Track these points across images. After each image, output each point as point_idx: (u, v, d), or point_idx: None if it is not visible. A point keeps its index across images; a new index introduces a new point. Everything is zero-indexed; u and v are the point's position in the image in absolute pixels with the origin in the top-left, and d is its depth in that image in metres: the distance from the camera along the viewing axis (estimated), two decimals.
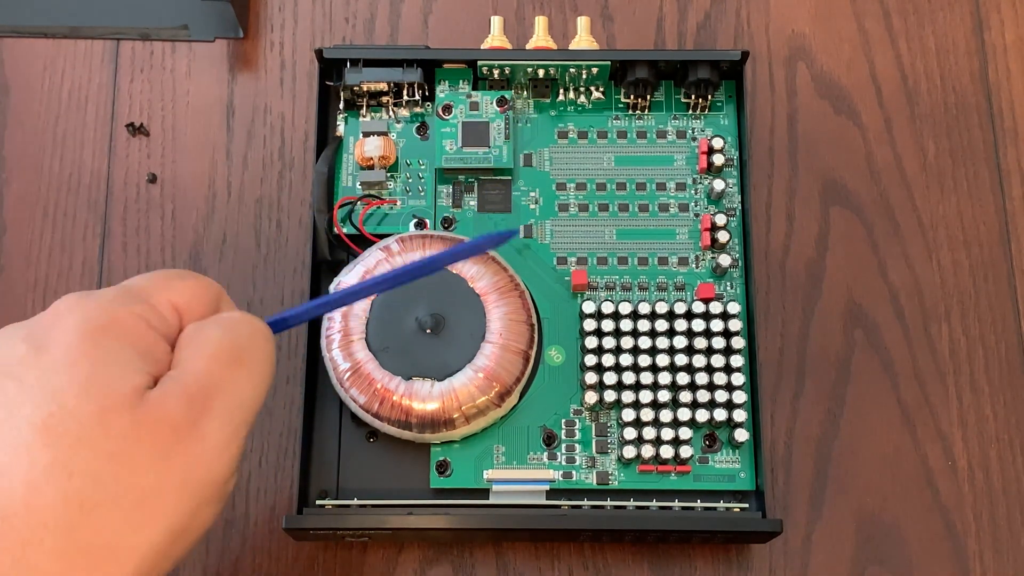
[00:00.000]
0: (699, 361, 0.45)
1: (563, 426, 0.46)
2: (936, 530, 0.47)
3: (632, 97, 0.49)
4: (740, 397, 0.45)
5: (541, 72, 0.49)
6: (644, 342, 0.46)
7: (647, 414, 0.45)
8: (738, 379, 0.45)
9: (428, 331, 0.44)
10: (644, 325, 0.46)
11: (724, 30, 0.54)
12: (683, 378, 0.45)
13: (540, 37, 0.50)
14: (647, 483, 0.45)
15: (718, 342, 0.46)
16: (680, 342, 0.46)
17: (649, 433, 0.45)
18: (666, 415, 0.45)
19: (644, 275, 0.48)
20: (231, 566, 0.47)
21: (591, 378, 0.45)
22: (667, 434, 0.45)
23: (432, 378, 0.44)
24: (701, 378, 0.45)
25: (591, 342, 0.46)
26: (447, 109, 0.49)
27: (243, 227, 0.51)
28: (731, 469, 0.45)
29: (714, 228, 0.48)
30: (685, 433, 0.45)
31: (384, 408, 0.43)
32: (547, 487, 0.45)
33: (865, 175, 0.52)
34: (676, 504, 0.45)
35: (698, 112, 0.50)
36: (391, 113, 0.49)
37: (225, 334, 0.35)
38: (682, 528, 0.44)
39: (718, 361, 0.45)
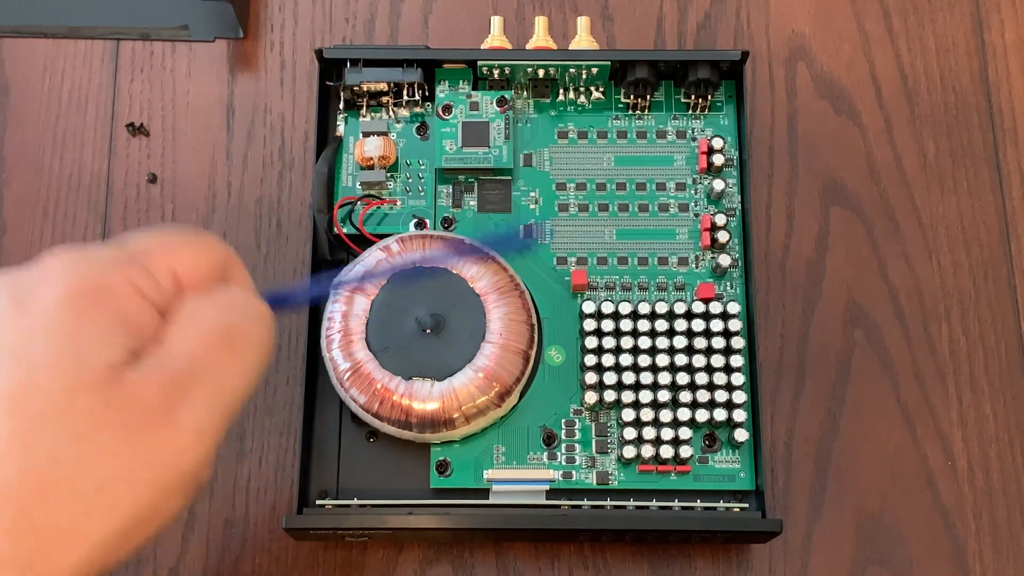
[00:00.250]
0: (699, 361, 0.45)
1: (563, 426, 0.46)
2: (936, 530, 0.47)
3: (632, 97, 0.49)
4: (740, 397, 0.45)
5: (541, 72, 0.49)
6: (644, 342, 0.46)
7: (647, 414, 0.45)
8: (738, 379, 0.45)
9: (428, 331, 0.44)
10: (644, 325, 0.46)
11: (724, 30, 0.54)
12: (683, 378, 0.45)
13: (540, 37, 0.50)
14: (647, 483, 0.45)
15: (718, 342, 0.46)
16: (680, 342, 0.46)
17: (649, 433, 0.45)
18: (666, 415, 0.45)
19: (644, 275, 0.48)
20: (231, 566, 0.47)
21: (591, 378, 0.45)
22: (667, 434, 0.45)
23: (432, 378, 0.44)
24: (701, 378, 0.45)
25: (591, 342, 0.46)
26: (447, 109, 0.49)
27: (243, 227, 0.51)
28: (731, 469, 0.45)
29: (714, 228, 0.48)
30: (685, 433, 0.45)
31: (384, 408, 0.43)
32: (547, 487, 0.45)
33: (865, 175, 0.52)
34: (676, 504, 0.45)
35: (698, 112, 0.50)
36: (391, 113, 0.49)
37: (219, 315, 0.33)
38: (682, 528, 0.44)
39: (718, 361, 0.45)
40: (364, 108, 0.49)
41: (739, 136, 0.49)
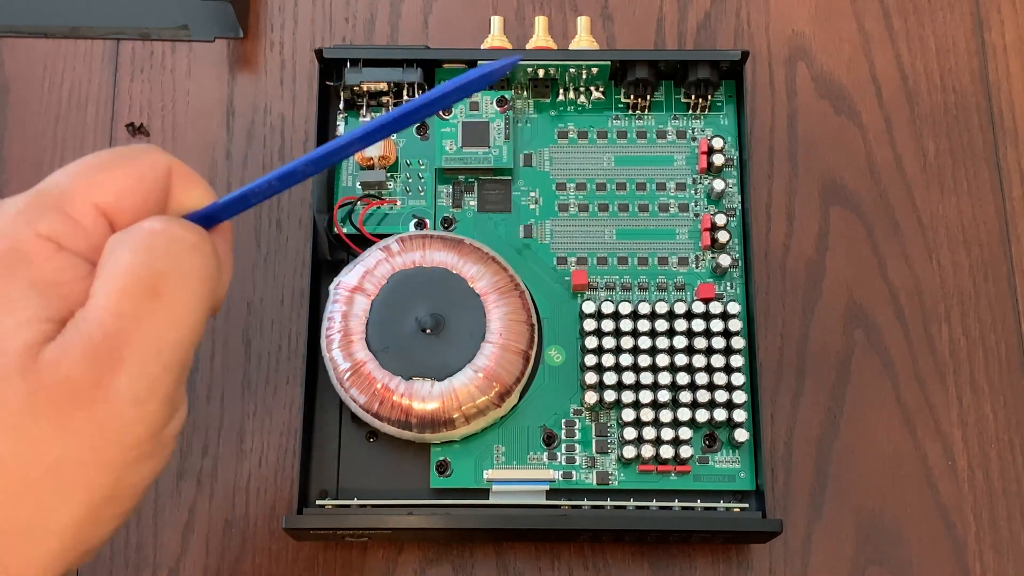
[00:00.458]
0: (699, 361, 0.45)
1: (563, 426, 0.46)
2: (936, 530, 0.47)
3: (632, 97, 0.49)
4: (740, 397, 0.45)
5: (541, 72, 0.49)
6: (644, 342, 0.46)
7: (647, 414, 0.45)
8: (738, 379, 0.45)
9: (428, 331, 0.44)
10: (644, 325, 0.46)
11: (724, 30, 0.54)
12: (683, 378, 0.45)
13: (540, 37, 0.50)
14: (647, 483, 0.45)
15: (718, 342, 0.46)
16: (680, 342, 0.46)
17: (649, 433, 0.45)
18: (666, 415, 0.45)
19: (644, 275, 0.48)
20: (231, 566, 0.47)
21: (591, 378, 0.45)
22: (667, 434, 0.45)
23: (432, 378, 0.44)
24: (701, 378, 0.45)
25: (591, 342, 0.46)
26: (447, 109, 0.49)
27: (243, 227, 0.51)
28: (731, 469, 0.45)
29: (714, 228, 0.48)
30: (685, 433, 0.45)
31: (384, 408, 0.43)
32: (547, 487, 0.45)
33: (865, 175, 0.52)
34: (676, 504, 0.45)
35: (698, 112, 0.50)
36: None
37: (139, 256, 0.28)
38: (682, 528, 0.44)
39: (718, 361, 0.45)
40: (364, 108, 0.49)
41: (739, 136, 0.49)
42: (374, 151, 0.48)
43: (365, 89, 0.49)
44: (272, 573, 0.47)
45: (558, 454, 0.45)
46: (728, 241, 0.48)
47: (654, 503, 0.44)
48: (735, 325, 0.46)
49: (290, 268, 0.50)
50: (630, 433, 0.45)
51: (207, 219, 0.31)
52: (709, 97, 0.49)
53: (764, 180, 0.52)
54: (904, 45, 0.54)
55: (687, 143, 0.49)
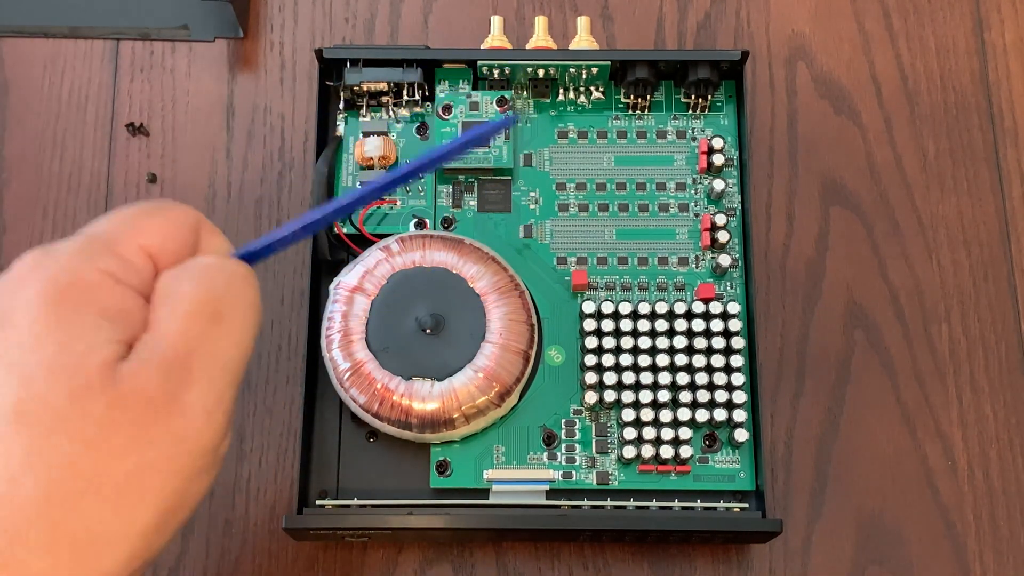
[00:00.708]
0: (699, 361, 0.45)
1: (563, 426, 0.46)
2: (936, 530, 0.47)
3: (632, 97, 0.49)
4: (740, 397, 0.45)
5: (541, 72, 0.49)
6: (644, 342, 0.46)
7: (647, 414, 0.45)
8: (738, 379, 0.45)
9: (428, 331, 0.44)
10: (644, 325, 0.46)
11: (724, 30, 0.54)
12: (683, 378, 0.45)
13: (540, 37, 0.50)
14: (647, 483, 0.45)
15: (718, 342, 0.46)
16: (680, 342, 0.46)
17: (649, 433, 0.45)
18: (666, 415, 0.45)
19: (644, 275, 0.48)
20: (231, 566, 0.47)
21: (591, 378, 0.45)
22: (667, 434, 0.45)
23: (432, 378, 0.44)
24: (701, 378, 0.45)
25: (591, 342, 0.46)
26: (447, 109, 0.49)
27: (243, 227, 0.51)
28: (731, 469, 0.45)
29: (714, 228, 0.48)
30: (685, 433, 0.45)
31: (384, 408, 0.43)
32: (547, 487, 0.45)
33: (865, 175, 0.52)
34: (676, 504, 0.45)
35: (698, 112, 0.50)
36: (391, 113, 0.49)
37: (200, 286, 0.32)
38: (682, 528, 0.44)
39: (718, 361, 0.45)
40: (364, 108, 0.49)
41: (739, 136, 0.49)
42: (374, 151, 0.48)
43: (365, 89, 0.49)
44: (272, 573, 0.47)
45: (558, 454, 0.45)
46: (728, 241, 0.48)
47: (654, 503, 0.44)
48: (735, 325, 0.46)
49: (290, 268, 0.50)
50: (630, 433, 0.45)
51: (244, 259, 0.35)
52: (709, 97, 0.49)
53: (764, 180, 0.52)
54: (904, 45, 0.54)
55: (687, 143, 0.49)
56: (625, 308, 0.46)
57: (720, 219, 0.47)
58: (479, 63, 0.49)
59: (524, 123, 0.50)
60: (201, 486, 0.32)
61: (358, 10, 0.54)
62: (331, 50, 0.49)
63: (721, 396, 0.45)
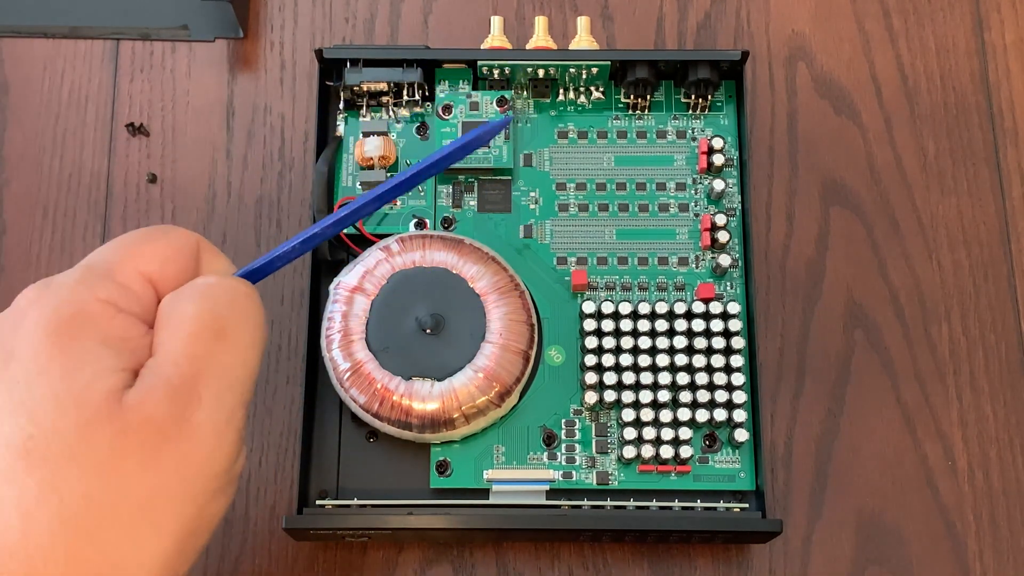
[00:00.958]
0: (699, 361, 0.45)
1: (563, 426, 0.46)
2: (936, 530, 0.47)
3: (632, 97, 0.49)
4: (740, 397, 0.45)
5: (541, 72, 0.49)
6: (644, 342, 0.46)
7: (647, 414, 0.45)
8: (738, 379, 0.45)
9: (428, 331, 0.44)
10: (644, 325, 0.46)
11: (724, 30, 0.54)
12: (683, 378, 0.45)
13: (540, 37, 0.50)
14: (647, 483, 0.45)
15: (718, 342, 0.46)
16: (680, 342, 0.46)
17: (649, 433, 0.45)
18: (666, 415, 0.45)
19: (644, 275, 0.48)
20: (231, 566, 0.47)
21: (591, 378, 0.45)
22: (667, 434, 0.45)
23: (432, 378, 0.44)
24: (701, 378, 0.45)
25: (591, 342, 0.46)
26: (447, 109, 0.49)
27: (243, 227, 0.51)
28: (731, 469, 0.45)
29: (714, 228, 0.48)
30: (685, 433, 0.45)
31: (384, 408, 0.43)
32: (547, 487, 0.45)
33: (865, 175, 0.52)
34: (676, 504, 0.45)
35: (698, 112, 0.50)
36: (391, 113, 0.49)
37: (202, 307, 0.32)
38: (682, 528, 0.44)
39: (718, 361, 0.45)
40: (364, 108, 0.49)
41: (739, 136, 0.49)
42: (374, 151, 0.48)
43: (365, 89, 0.49)
44: (272, 573, 0.47)
45: (558, 454, 0.45)
46: (728, 241, 0.48)
47: (654, 503, 0.44)
48: (735, 325, 0.46)
49: (290, 268, 0.50)
50: (630, 433, 0.45)
51: (247, 277, 0.35)
52: (709, 97, 0.49)
53: (764, 180, 0.52)
54: (904, 45, 0.54)
55: (687, 143, 0.49)
56: (625, 308, 0.46)
57: (720, 219, 0.47)
58: (479, 63, 0.49)
59: (524, 123, 0.49)
60: (218, 507, 0.32)
61: (358, 10, 0.54)
62: (331, 50, 0.49)
63: (721, 396, 0.45)
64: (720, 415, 0.45)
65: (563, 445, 0.45)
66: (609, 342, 0.46)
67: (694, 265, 0.48)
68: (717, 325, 0.46)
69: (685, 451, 0.45)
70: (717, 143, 0.48)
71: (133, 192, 0.52)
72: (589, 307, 0.46)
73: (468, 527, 0.43)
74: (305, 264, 0.48)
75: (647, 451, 0.45)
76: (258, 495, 0.47)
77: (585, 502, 0.45)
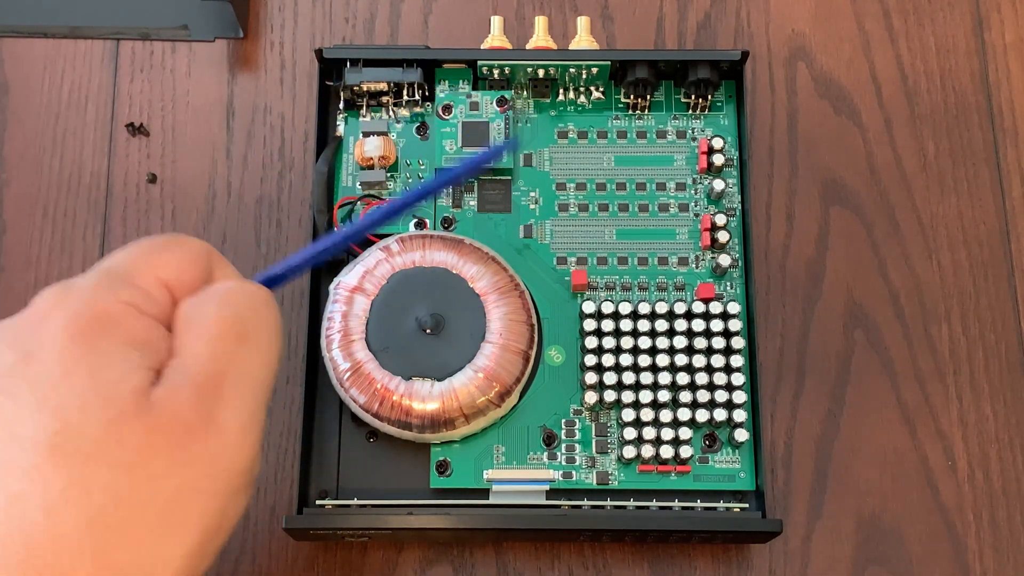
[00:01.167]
0: (699, 361, 0.45)
1: (563, 426, 0.46)
2: (936, 530, 0.47)
3: (632, 97, 0.49)
4: (740, 397, 0.45)
5: (541, 72, 0.49)
6: (644, 342, 0.46)
7: (647, 414, 0.45)
8: (738, 379, 0.45)
9: (428, 331, 0.44)
10: (644, 325, 0.46)
11: (724, 30, 0.54)
12: (683, 378, 0.45)
13: (540, 37, 0.50)
14: (647, 483, 0.45)
15: (718, 342, 0.46)
16: (680, 342, 0.46)
17: (649, 433, 0.45)
18: (666, 415, 0.45)
19: (644, 275, 0.48)
20: (231, 566, 0.47)
21: (591, 378, 0.45)
22: (667, 434, 0.45)
23: (432, 378, 0.44)
24: (701, 378, 0.45)
25: (591, 342, 0.46)
26: (447, 109, 0.49)
27: (243, 227, 0.51)
28: (731, 469, 0.45)
29: (714, 228, 0.48)
30: (685, 433, 0.45)
31: (384, 408, 0.43)
32: (547, 487, 0.45)
33: (865, 175, 0.52)
34: (676, 504, 0.45)
35: (698, 112, 0.50)
36: (391, 113, 0.49)
37: (224, 310, 0.32)
38: (682, 528, 0.44)
39: (718, 361, 0.45)
40: (364, 108, 0.49)
41: (739, 136, 0.49)
42: (374, 151, 0.48)
43: (365, 89, 0.49)
44: (272, 573, 0.47)
45: (558, 454, 0.45)
46: (728, 241, 0.48)
47: (654, 503, 0.44)
48: (735, 325, 0.46)
49: None
50: (630, 433, 0.45)
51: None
52: (709, 97, 0.49)
53: (764, 180, 0.52)
54: (904, 45, 0.54)
55: (687, 143, 0.49)
56: (625, 308, 0.46)
57: (720, 219, 0.47)
58: (479, 63, 0.49)
59: (524, 123, 0.50)
60: (238, 507, 0.32)
61: (358, 10, 0.54)
62: (331, 50, 0.49)
63: (721, 396, 0.45)
64: (720, 415, 0.45)
65: (563, 445, 0.45)
66: (609, 342, 0.46)
67: (694, 265, 0.48)
68: (717, 325, 0.46)
69: (685, 451, 0.45)
70: (717, 143, 0.48)
71: (133, 192, 0.52)
72: (589, 307, 0.46)
73: (468, 527, 0.43)
74: None
75: (647, 451, 0.45)
76: (258, 495, 0.47)
77: (585, 502, 0.45)
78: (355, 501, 0.45)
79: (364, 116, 0.49)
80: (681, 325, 0.46)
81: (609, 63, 0.48)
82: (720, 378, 0.45)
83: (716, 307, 0.46)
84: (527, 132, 0.49)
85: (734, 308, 0.46)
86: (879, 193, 0.52)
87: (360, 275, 0.45)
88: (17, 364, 0.30)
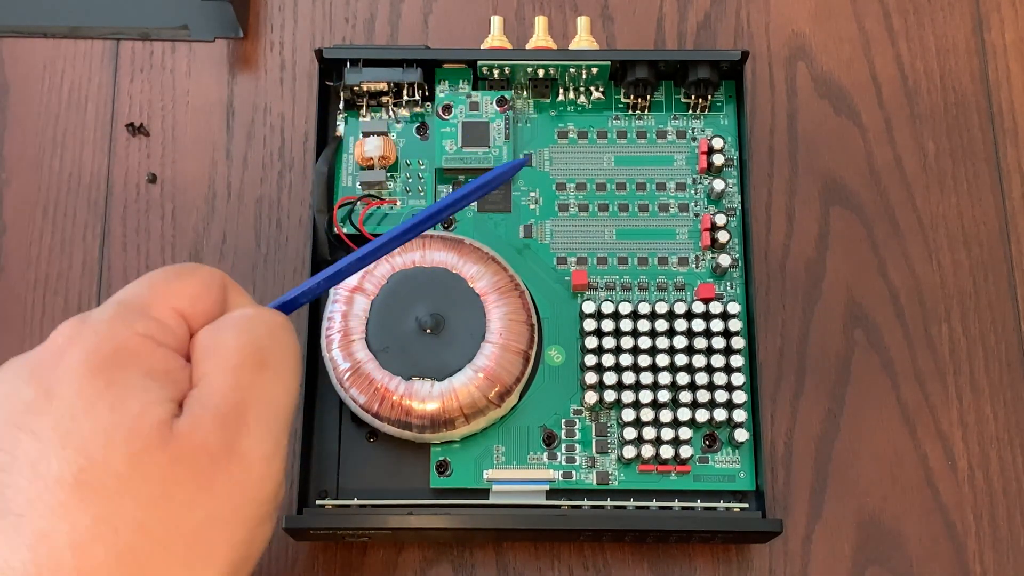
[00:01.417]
0: (699, 361, 0.45)
1: (563, 426, 0.46)
2: (936, 530, 0.47)
3: (632, 97, 0.49)
4: (740, 397, 0.45)
5: (541, 72, 0.49)
6: (644, 342, 0.46)
7: (647, 414, 0.45)
8: (738, 379, 0.45)
9: (428, 331, 0.44)
10: (644, 325, 0.46)
11: (724, 30, 0.54)
12: (683, 378, 0.45)
13: (540, 37, 0.50)
14: (647, 483, 0.45)
15: (718, 342, 0.46)
16: (680, 342, 0.46)
17: (649, 433, 0.45)
18: (666, 415, 0.45)
19: (644, 275, 0.48)
20: None
21: (591, 378, 0.45)
22: (667, 434, 0.45)
23: (432, 378, 0.44)
24: (701, 378, 0.45)
25: (591, 342, 0.46)
26: (447, 109, 0.49)
27: (243, 227, 0.51)
28: (731, 469, 0.45)
29: (714, 228, 0.48)
30: (685, 433, 0.45)
31: (384, 408, 0.43)
32: (547, 487, 0.45)
33: (865, 175, 0.52)
34: (676, 504, 0.45)
35: (698, 112, 0.50)
36: (391, 113, 0.49)
37: (243, 337, 0.32)
38: (682, 528, 0.44)
39: (718, 361, 0.45)
40: (364, 108, 0.49)
41: (739, 136, 0.49)
42: (374, 151, 0.48)
43: (365, 89, 0.49)
44: (272, 573, 0.47)
45: (558, 454, 0.45)
46: (728, 241, 0.48)
47: (654, 503, 0.45)
48: (735, 325, 0.46)
49: (290, 268, 0.50)
50: (630, 433, 0.45)
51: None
52: (709, 97, 0.49)
53: (764, 180, 0.52)
54: (904, 45, 0.54)
55: (687, 143, 0.49)
56: (625, 308, 0.46)
57: (720, 219, 0.47)
58: (479, 63, 0.49)
59: (524, 123, 0.50)
60: (265, 534, 0.32)
61: (358, 10, 0.54)
62: (331, 50, 0.49)
63: (721, 396, 0.45)
64: (720, 415, 0.45)
65: (563, 445, 0.45)
66: (609, 342, 0.46)
67: (694, 265, 0.48)
68: (717, 325, 0.46)
69: (685, 451, 0.45)
70: (717, 143, 0.49)
71: (133, 192, 0.52)
72: (589, 307, 0.46)
73: (468, 527, 0.43)
74: (305, 264, 0.48)
75: (647, 451, 0.45)
76: None
77: (585, 502, 0.45)
78: (355, 501, 0.45)
79: (364, 116, 0.49)
80: (681, 325, 0.46)
81: (609, 63, 0.48)
82: (720, 378, 0.45)
83: (716, 307, 0.46)
84: (527, 132, 0.49)
85: (734, 308, 0.46)
86: (879, 193, 0.52)
87: (360, 275, 0.45)
88: (37, 400, 0.30)
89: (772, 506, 0.47)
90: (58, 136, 0.52)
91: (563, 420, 0.46)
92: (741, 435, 0.45)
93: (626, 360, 0.45)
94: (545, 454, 0.45)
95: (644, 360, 0.45)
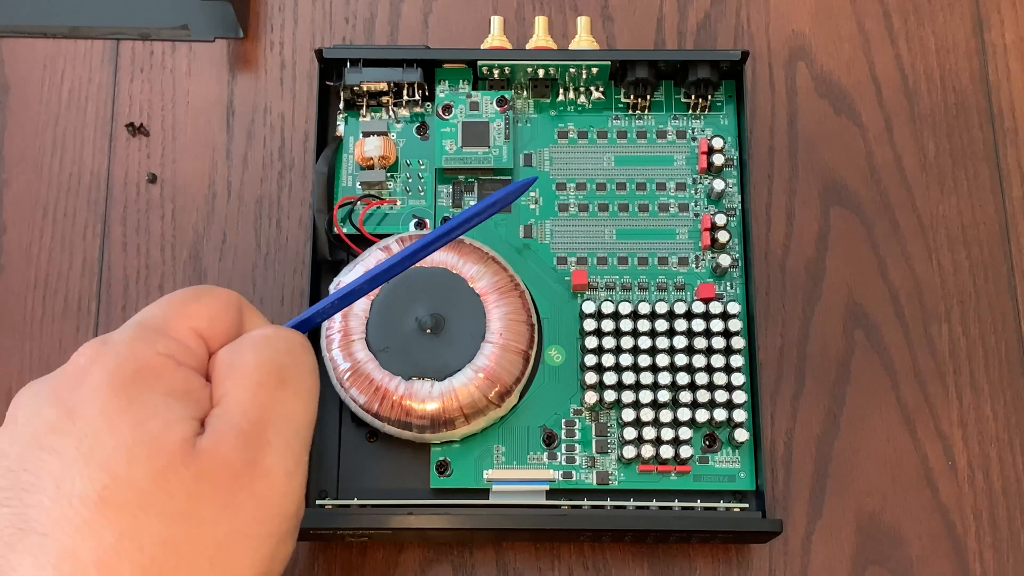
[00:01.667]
0: (699, 361, 0.45)
1: (563, 426, 0.46)
2: (936, 530, 0.47)
3: (632, 97, 0.49)
4: (740, 397, 0.45)
5: (541, 72, 0.49)
6: (644, 342, 0.46)
7: (647, 414, 0.45)
8: (738, 379, 0.45)
9: (428, 331, 0.44)
10: (644, 325, 0.46)
11: (724, 30, 0.54)
12: (683, 378, 0.45)
13: (540, 37, 0.50)
14: (647, 483, 0.45)
15: (718, 342, 0.46)
16: (680, 342, 0.46)
17: (649, 433, 0.45)
18: (666, 415, 0.45)
19: (644, 275, 0.48)
20: None
21: (591, 378, 0.45)
22: (667, 434, 0.45)
23: (432, 378, 0.44)
24: (701, 378, 0.45)
25: (591, 342, 0.46)
26: (447, 109, 0.49)
27: (243, 227, 0.51)
28: (731, 469, 0.45)
29: (714, 228, 0.48)
30: (685, 433, 0.45)
31: (384, 408, 0.43)
32: (547, 487, 0.45)
33: (865, 175, 0.52)
34: (676, 504, 0.45)
35: (698, 112, 0.50)
36: (391, 113, 0.49)
37: (262, 356, 0.33)
38: (682, 528, 0.44)
39: (718, 361, 0.45)
40: (364, 108, 0.49)
41: (739, 136, 0.49)
42: (374, 151, 0.48)
43: (365, 89, 0.49)
44: None
45: (558, 454, 0.45)
46: (728, 241, 0.48)
47: (654, 503, 0.45)
48: (735, 325, 0.46)
49: (290, 268, 0.50)
50: (630, 433, 0.45)
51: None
52: (709, 97, 0.49)
53: (764, 180, 0.52)
54: (904, 45, 0.54)
55: (687, 143, 0.49)
56: (625, 308, 0.46)
57: (720, 219, 0.47)
58: (479, 63, 0.49)
59: (524, 123, 0.50)
60: (287, 550, 0.32)
61: (358, 10, 0.54)
62: (331, 50, 0.49)
63: (721, 396, 0.45)
64: (720, 415, 0.45)
65: (563, 445, 0.45)
66: (609, 342, 0.46)
67: (694, 265, 0.48)
68: (717, 325, 0.46)
69: (685, 451, 0.45)
70: (717, 143, 0.49)
71: (133, 192, 0.52)
72: (589, 307, 0.46)
73: (468, 527, 0.43)
74: (305, 264, 0.48)
75: (647, 451, 0.45)
76: None
77: (585, 502, 0.45)
78: (355, 501, 0.45)
79: (364, 116, 0.49)
80: (681, 325, 0.46)
81: (609, 63, 0.48)
82: (720, 378, 0.45)
83: (716, 307, 0.46)
84: (527, 132, 0.49)
85: (734, 308, 0.46)
86: (879, 193, 0.52)
87: (360, 275, 0.45)
88: (60, 420, 0.30)
89: (772, 506, 0.47)
90: (58, 136, 0.52)
91: (563, 420, 0.46)
92: (741, 435, 0.45)
93: (626, 360, 0.45)
94: (545, 454, 0.45)
95: (644, 360, 0.45)
